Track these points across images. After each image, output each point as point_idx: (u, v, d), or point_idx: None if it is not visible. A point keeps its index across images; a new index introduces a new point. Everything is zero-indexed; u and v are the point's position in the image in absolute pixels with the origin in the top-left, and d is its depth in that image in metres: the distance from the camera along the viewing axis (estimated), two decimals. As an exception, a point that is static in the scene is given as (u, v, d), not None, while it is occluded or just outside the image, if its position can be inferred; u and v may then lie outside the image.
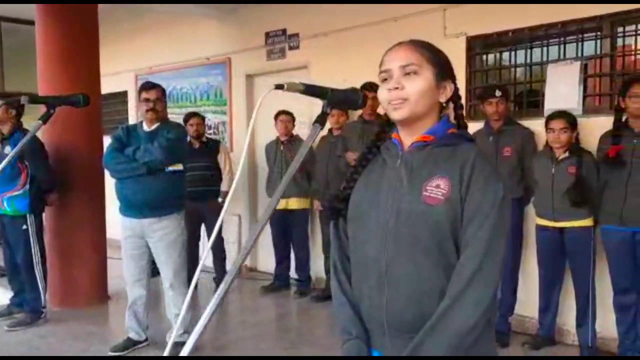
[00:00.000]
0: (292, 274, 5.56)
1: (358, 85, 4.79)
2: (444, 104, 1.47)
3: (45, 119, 1.72)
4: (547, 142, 3.75)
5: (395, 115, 1.41)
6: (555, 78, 3.95)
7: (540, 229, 3.80)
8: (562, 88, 3.90)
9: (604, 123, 3.66)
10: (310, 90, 1.31)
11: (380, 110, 4.68)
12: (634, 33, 3.73)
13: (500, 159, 3.95)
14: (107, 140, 5.45)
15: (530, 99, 4.28)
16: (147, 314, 4.00)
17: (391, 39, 5.14)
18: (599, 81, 3.95)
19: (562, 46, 4.04)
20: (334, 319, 4.75)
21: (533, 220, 3.91)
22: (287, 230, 5.46)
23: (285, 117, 5.33)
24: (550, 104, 3.95)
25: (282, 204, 5.35)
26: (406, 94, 1.39)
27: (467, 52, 4.45)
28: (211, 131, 6.59)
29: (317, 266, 5.50)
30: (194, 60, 6.75)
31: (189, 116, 5.50)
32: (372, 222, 1.43)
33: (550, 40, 4.10)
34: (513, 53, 4.30)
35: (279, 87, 1.26)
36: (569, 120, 3.62)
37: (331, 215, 1.57)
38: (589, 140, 3.71)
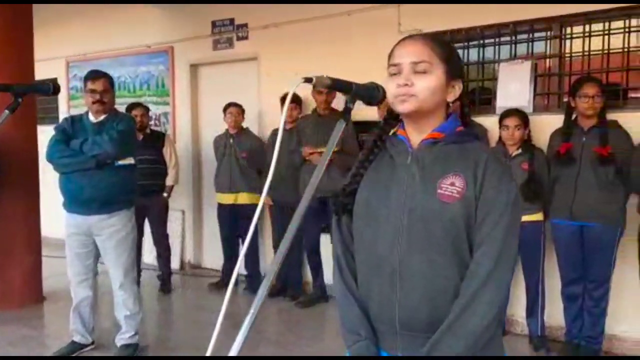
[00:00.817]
0: (241, 270, 5.45)
1: (310, 79, 4.74)
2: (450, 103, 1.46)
3: (12, 108, 1.55)
4: (500, 138, 3.85)
5: (400, 108, 1.38)
6: (506, 76, 4.07)
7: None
8: (514, 86, 4.02)
9: (553, 121, 3.81)
10: (337, 85, 1.25)
11: (334, 105, 4.66)
12: (581, 35, 3.89)
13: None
14: (41, 131, 5.14)
15: (482, 97, 4.38)
16: (93, 316, 3.79)
17: (345, 33, 5.16)
18: (548, 80, 4.10)
19: (513, 45, 4.17)
20: (289, 315, 4.68)
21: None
22: (236, 226, 5.34)
23: (235, 109, 5.19)
24: (502, 101, 4.07)
25: (231, 199, 5.24)
26: (415, 91, 1.36)
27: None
28: (152, 122, 6.33)
29: (267, 262, 5.42)
30: (133, 47, 6.45)
31: (131, 107, 5.24)
32: (383, 220, 1.39)
33: (502, 39, 4.22)
34: (466, 51, 4.38)
35: (308, 80, 1.20)
36: (522, 117, 3.74)
37: (336, 211, 1.51)
38: (539, 138, 3.84)
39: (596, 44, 3.84)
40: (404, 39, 1.43)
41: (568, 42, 3.97)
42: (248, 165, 5.23)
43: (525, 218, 3.72)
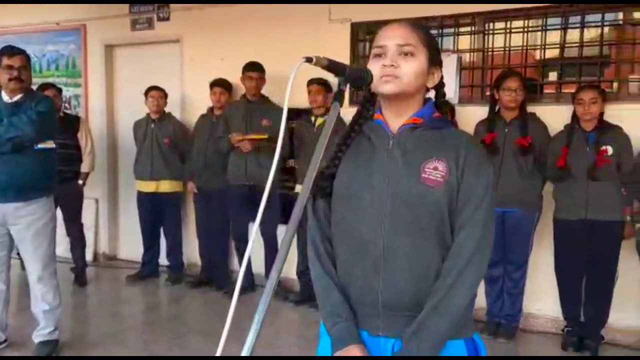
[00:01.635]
0: (162, 260, 5.26)
1: (236, 65, 4.66)
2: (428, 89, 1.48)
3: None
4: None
5: (384, 89, 1.38)
6: (434, 68, 4.21)
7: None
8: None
9: (476, 112, 4.00)
10: (332, 66, 1.23)
11: (264, 91, 4.60)
12: (503, 31, 4.10)
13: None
14: None
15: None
16: (6, 312, 3.51)
17: (273, 20, 5.08)
18: (472, 73, 4.29)
19: (440, 38, 4.31)
20: (218, 306, 4.58)
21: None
22: (157, 215, 5.14)
23: (157, 93, 4.98)
24: (430, 92, 4.19)
25: (151, 187, 5.04)
26: (400, 73, 1.37)
27: (351, 38, 4.55)
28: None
29: (190, 251, 5.28)
30: (40, 24, 6.00)
31: (43, 87, 4.86)
32: (366, 204, 1.40)
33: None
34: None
35: (309, 60, 1.16)
36: (449, 108, 3.89)
37: (313, 195, 1.50)
38: (464, 128, 4.00)
39: (516, 40, 4.07)
40: (390, 23, 1.43)
41: (490, 37, 4.17)
42: (170, 151, 5.04)
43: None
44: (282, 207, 4.68)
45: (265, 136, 4.46)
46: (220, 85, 4.80)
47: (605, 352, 3.59)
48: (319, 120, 4.40)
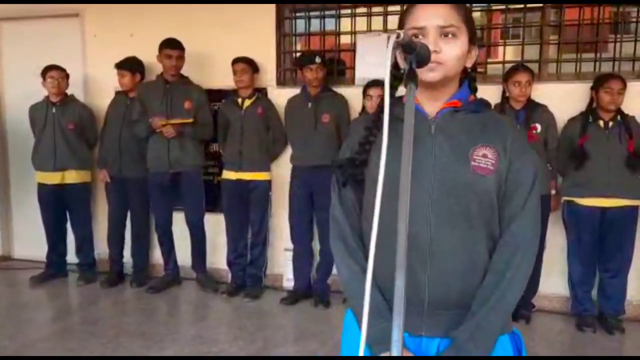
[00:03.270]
0: (72, 258, 4.77)
1: (148, 42, 4.29)
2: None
3: None
4: (363, 108, 3.94)
5: (428, 77, 1.27)
6: (364, 48, 4.16)
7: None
8: (372, 58, 4.13)
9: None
10: (409, 43, 1.08)
11: (184, 72, 4.29)
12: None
13: (319, 125, 4.01)
14: None
15: (340, 68, 4.43)
16: None
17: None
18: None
19: (369, 18, 4.26)
20: (142, 303, 4.25)
21: (348, 183, 4.09)
22: (63, 209, 4.65)
23: (57, 73, 4.46)
24: (361, 72, 4.16)
25: (56, 179, 4.55)
26: (443, 59, 1.26)
27: (277, 16, 4.36)
28: None
29: (101, 247, 4.83)
30: None
31: None
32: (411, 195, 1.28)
33: (358, 12, 4.29)
34: (322, 21, 4.36)
35: (398, 36, 1.01)
36: (384, 88, 3.86)
37: (343, 183, 1.36)
38: (397, 108, 4.02)
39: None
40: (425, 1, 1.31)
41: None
42: (76, 138, 4.56)
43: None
44: (206, 194, 4.43)
45: (190, 120, 4.17)
46: (128, 68, 4.37)
47: (536, 319, 3.80)
48: (247, 102, 4.19)
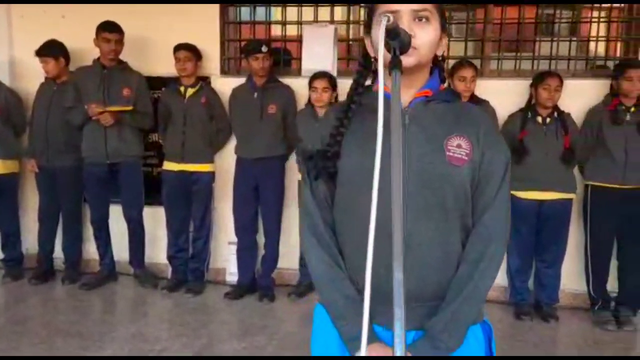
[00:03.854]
0: (-5, 254, 4.46)
1: (81, 24, 4.07)
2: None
3: None
4: (309, 100, 3.90)
5: (403, 62, 1.24)
6: (311, 39, 4.11)
7: (303, 184, 3.98)
8: (318, 49, 4.09)
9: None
10: (395, 29, 1.04)
11: (122, 57, 4.08)
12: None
13: (265, 116, 3.93)
14: None
15: (286, 58, 4.36)
16: None
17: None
18: (348, 46, 4.29)
19: (315, 9, 4.22)
20: (77, 301, 4.04)
21: (295, 175, 4.06)
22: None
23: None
24: (308, 63, 4.11)
25: (-22, 168, 4.21)
26: (417, 43, 1.22)
27: (221, 4, 4.23)
28: None
29: (30, 241, 4.55)
30: None
31: None
32: (384, 186, 1.26)
33: (304, 2, 4.23)
34: (268, 9, 4.28)
35: (388, 20, 0.98)
36: (331, 80, 3.84)
37: (315, 176, 1.31)
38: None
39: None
40: None
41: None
42: (2, 125, 4.26)
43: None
44: (145, 186, 4.26)
45: (129, 108, 3.99)
46: (50, 54, 4.07)
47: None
48: (190, 91, 4.05)
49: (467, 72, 3.67)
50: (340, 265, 1.31)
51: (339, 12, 4.27)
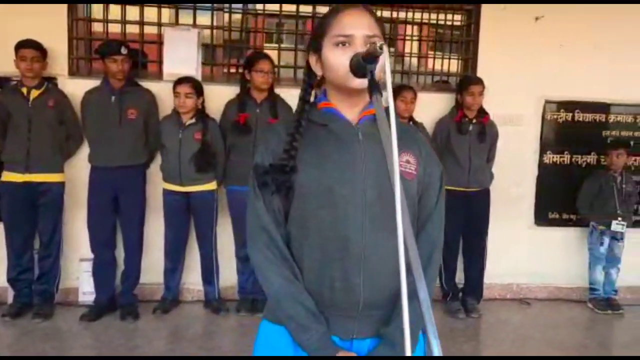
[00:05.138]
0: None
1: None
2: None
3: None
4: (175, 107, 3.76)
5: (356, 84, 1.28)
6: (173, 42, 3.95)
7: (167, 193, 3.80)
8: (181, 53, 3.94)
9: (220, 91, 3.95)
10: (371, 53, 1.07)
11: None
12: (241, 10, 4.12)
13: (125, 121, 3.68)
14: None
15: (144, 60, 4.12)
16: None
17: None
18: (213, 51, 4.19)
19: (176, 11, 4.05)
20: None
21: (157, 184, 3.86)
22: None
23: None
24: (170, 67, 3.94)
25: None
26: (369, 67, 1.28)
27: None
28: None
29: None
30: None
31: None
32: (343, 200, 1.28)
33: (163, 5, 4.05)
34: (124, 8, 4.00)
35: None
36: (195, 85, 3.73)
37: (273, 191, 1.29)
38: (210, 108, 3.90)
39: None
40: (348, 7, 1.31)
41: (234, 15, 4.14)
42: None
43: (200, 188, 3.79)
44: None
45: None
46: None
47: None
48: (34, 93, 3.63)
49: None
50: (300, 279, 1.30)
51: (202, 15, 4.15)
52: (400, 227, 0.98)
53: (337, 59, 1.27)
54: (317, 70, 1.35)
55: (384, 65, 1.24)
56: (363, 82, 1.27)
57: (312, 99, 1.39)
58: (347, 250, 1.28)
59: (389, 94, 0.98)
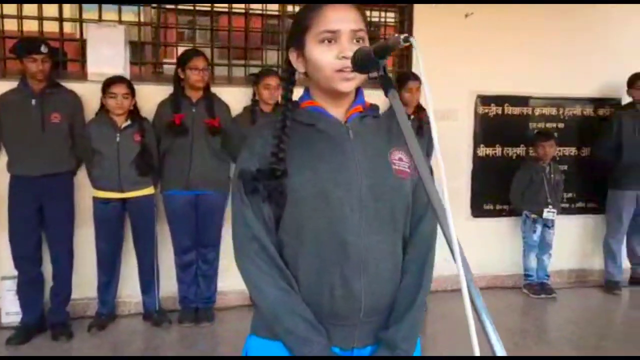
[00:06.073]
0: None
1: None
2: None
3: None
4: (102, 107, 3.54)
5: (344, 87, 1.22)
6: (97, 40, 3.69)
7: (100, 202, 3.55)
8: (106, 51, 3.69)
9: (150, 91, 3.74)
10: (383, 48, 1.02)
11: None
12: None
13: (48, 126, 3.40)
14: None
15: (64, 59, 3.83)
16: None
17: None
18: (142, 48, 3.96)
19: (99, 7, 3.79)
20: None
21: (84, 192, 3.60)
22: None
23: None
24: (95, 67, 3.68)
25: None
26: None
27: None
28: None
29: None
30: None
31: None
32: (340, 202, 1.21)
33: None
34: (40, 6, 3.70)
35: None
36: (129, 85, 3.52)
37: (265, 197, 1.21)
38: (143, 109, 3.69)
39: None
40: (332, 2, 1.22)
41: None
42: None
43: (138, 193, 3.59)
44: None
45: None
46: None
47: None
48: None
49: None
50: (296, 289, 1.22)
51: (127, 11, 3.91)
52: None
53: (323, 58, 1.20)
54: (299, 68, 1.27)
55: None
56: (350, 85, 1.22)
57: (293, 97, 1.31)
58: (346, 254, 1.21)
59: (425, 88, 0.92)
